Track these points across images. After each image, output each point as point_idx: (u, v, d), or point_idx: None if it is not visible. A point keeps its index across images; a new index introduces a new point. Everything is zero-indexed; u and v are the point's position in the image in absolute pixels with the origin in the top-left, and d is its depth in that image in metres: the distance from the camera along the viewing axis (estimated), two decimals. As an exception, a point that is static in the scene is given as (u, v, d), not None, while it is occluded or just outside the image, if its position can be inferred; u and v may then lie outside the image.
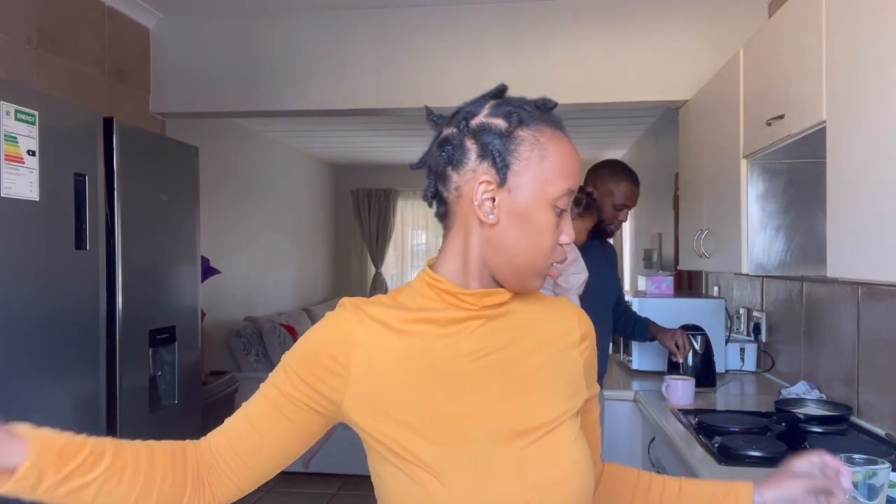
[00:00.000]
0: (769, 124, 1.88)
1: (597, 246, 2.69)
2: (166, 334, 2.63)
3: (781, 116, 1.80)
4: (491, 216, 0.88)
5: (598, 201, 2.70)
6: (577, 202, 2.58)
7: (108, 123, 2.30)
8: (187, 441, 0.93)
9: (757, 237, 2.15)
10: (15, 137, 1.88)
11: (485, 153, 0.88)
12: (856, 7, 1.44)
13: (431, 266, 0.96)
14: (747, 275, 2.35)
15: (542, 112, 0.92)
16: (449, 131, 0.93)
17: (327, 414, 0.92)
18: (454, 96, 3.47)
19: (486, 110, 0.91)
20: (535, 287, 0.93)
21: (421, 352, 0.90)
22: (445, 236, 0.96)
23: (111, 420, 2.30)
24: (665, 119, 4.98)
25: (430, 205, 0.97)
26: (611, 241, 2.89)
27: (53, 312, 2.05)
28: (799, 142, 1.78)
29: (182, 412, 2.72)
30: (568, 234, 0.91)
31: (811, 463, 0.97)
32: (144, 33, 3.41)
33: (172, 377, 2.67)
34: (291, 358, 0.93)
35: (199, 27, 3.44)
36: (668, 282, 3.21)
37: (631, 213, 2.86)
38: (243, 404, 0.97)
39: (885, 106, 1.31)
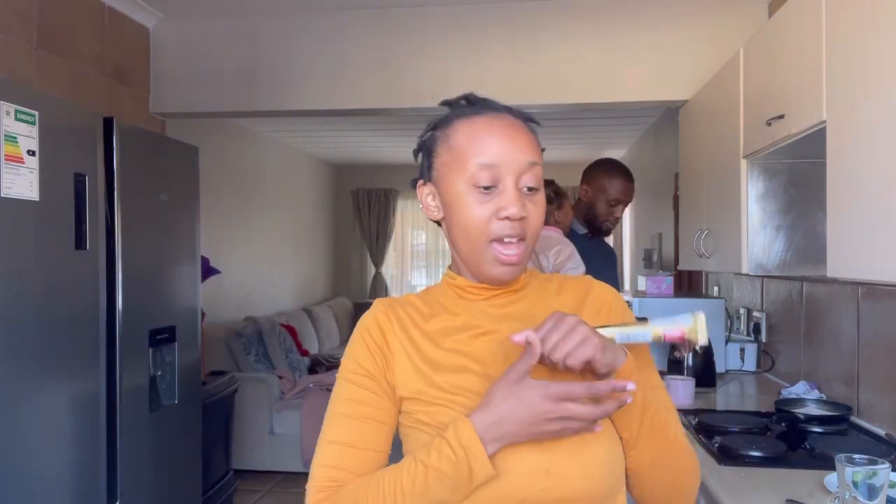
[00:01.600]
0: (769, 124, 1.88)
1: (595, 246, 2.70)
2: (166, 334, 2.63)
3: (781, 116, 1.80)
4: (433, 213, 1.01)
5: (591, 198, 2.72)
6: (548, 199, 2.60)
7: (108, 123, 2.30)
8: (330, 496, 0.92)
9: (757, 237, 2.15)
10: (15, 137, 1.88)
11: (421, 165, 1.03)
12: (856, 7, 1.44)
13: (450, 268, 1.07)
14: (747, 275, 2.35)
15: (462, 108, 1.01)
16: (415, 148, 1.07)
17: (393, 397, 0.97)
18: (454, 96, 3.45)
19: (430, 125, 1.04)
20: (495, 273, 0.96)
21: (444, 341, 0.98)
22: None
23: (111, 420, 2.30)
24: (665, 119, 4.98)
25: None
26: (610, 242, 2.90)
27: (53, 312, 2.05)
28: (799, 142, 1.78)
29: (182, 412, 2.72)
30: (506, 208, 0.92)
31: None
32: (144, 33, 3.41)
33: (172, 377, 2.67)
34: (346, 369, 0.99)
35: (199, 27, 3.44)
36: (668, 282, 3.21)
37: (631, 214, 2.87)
38: (326, 436, 0.96)
39: (885, 106, 1.31)
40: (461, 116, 0.99)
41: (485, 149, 0.94)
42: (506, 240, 0.93)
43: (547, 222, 2.62)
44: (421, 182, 1.03)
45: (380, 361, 0.97)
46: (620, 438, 0.94)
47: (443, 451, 0.84)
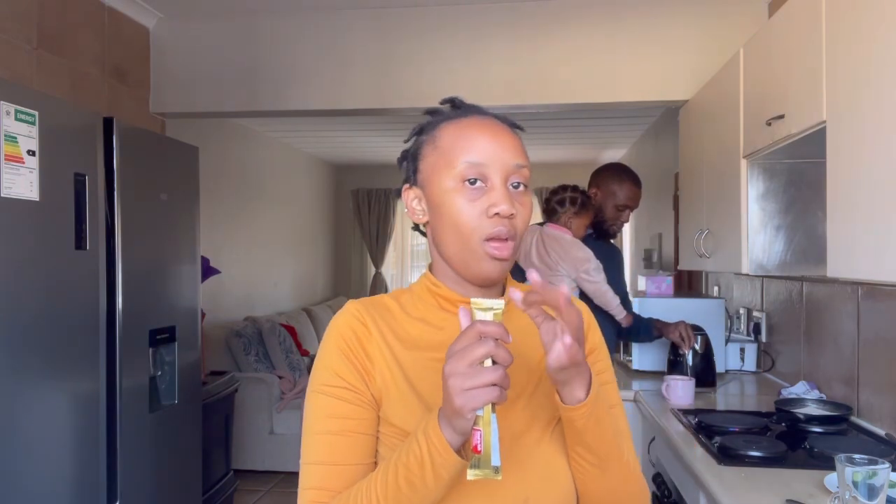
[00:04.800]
0: (769, 124, 1.88)
1: (601, 247, 2.72)
2: (166, 334, 2.63)
3: (781, 116, 1.80)
4: (418, 216, 0.98)
5: (600, 202, 2.75)
6: (572, 201, 2.63)
7: (108, 123, 2.30)
8: None
9: (757, 237, 2.15)
10: (15, 137, 1.88)
11: (406, 169, 1.01)
12: (856, 7, 1.44)
13: (430, 270, 1.02)
14: (747, 275, 2.35)
15: (448, 112, 1.00)
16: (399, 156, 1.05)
17: (374, 405, 0.93)
18: (452, 99, 3.44)
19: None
20: (488, 271, 0.92)
21: (422, 351, 0.94)
22: None
23: (111, 420, 2.30)
24: (665, 119, 4.98)
25: None
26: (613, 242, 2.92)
27: (53, 312, 2.05)
28: (799, 142, 1.78)
29: (182, 412, 2.72)
30: (496, 205, 0.90)
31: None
32: (144, 33, 3.41)
33: (172, 377, 2.67)
34: (322, 381, 0.92)
35: (199, 27, 3.44)
36: (668, 282, 3.21)
37: (631, 214, 2.88)
38: (309, 457, 0.91)
39: (885, 106, 1.31)
40: (448, 119, 0.98)
41: (473, 147, 0.92)
42: (497, 238, 0.90)
43: (560, 223, 2.64)
44: (406, 186, 1.00)
45: (360, 370, 0.92)
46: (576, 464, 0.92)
47: (410, 445, 0.80)
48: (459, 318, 0.81)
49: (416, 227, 1.04)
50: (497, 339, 0.76)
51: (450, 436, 0.77)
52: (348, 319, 0.95)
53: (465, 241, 0.91)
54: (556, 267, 2.57)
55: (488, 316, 0.79)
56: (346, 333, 0.94)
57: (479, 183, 0.91)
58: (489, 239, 0.90)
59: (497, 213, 0.89)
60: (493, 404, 0.76)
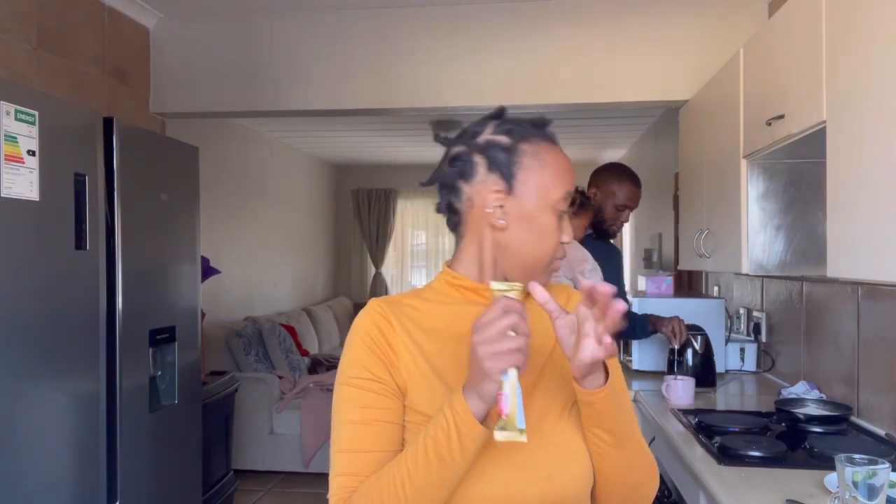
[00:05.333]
0: (769, 124, 1.88)
1: (601, 247, 2.72)
2: (166, 334, 2.63)
3: (781, 116, 1.80)
4: (501, 221, 0.99)
5: (600, 202, 2.76)
6: (571, 201, 2.63)
7: (108, 123, 2.30)
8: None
9: (757, 237, 2.15)
10: (15, 137, 1.88)
11: (492, 166, 1.00)
12: (855, 7, 1.44)
13: (449, 267, 1.07)
14: (747, 275, 2.35)
15: (538, 129, 1.04)
16: (458, 149, 1.04)
17: (400, 395, 0.98)
18: (454, 96, 3.47)
19: (490, 129, 1.03)
20: (544, 281, 1.01)
21: (446, 343, 1.00)
22: (459, 242, 1.07)
23: (111, 420, 2.30)
24: (665, 119, 4.97)
25: (446, 216, 1.08)
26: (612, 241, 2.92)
27: (53, 312, 2.05)
28: (799, 142, 1.78)
29: (182, 412, 2.72)
30: (568, 234, 1.02)
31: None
32: (144, 33, 3.41)
33: (172, 377, 2.67)
34: (349, 374, 0.98)
35: (199, 27, 3.44)
36: (668, 282, 3.21)
37: (631, 214, 2.88)
38: (340, 445, 0.96)
39: (886, 106, 1.31)
40: (544, 139, 1.02)
41: (566, 179, 1.02)
42: (559, 259, 1.03)
43: None
44: (497, 187, 0.99)
45: (385, 362, 0.98)
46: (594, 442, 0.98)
47: (438, 420, 0.87)
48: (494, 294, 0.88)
49: (440, 210, 1.07)
50: (519, 313, 0.83)
51: (475, 406, 0.84)
52: (372, 315, 1.01)
53: (539, 259, 1.01)
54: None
55: (512, 295, 0.87)
56: (370, 328, 0.99)
57: (563, 215, 1.02)
58: (555, 259, 1.03)
59: (565, 243, 1.03)
60: (518, 370, 0.83)
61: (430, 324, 1.02)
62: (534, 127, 1.03)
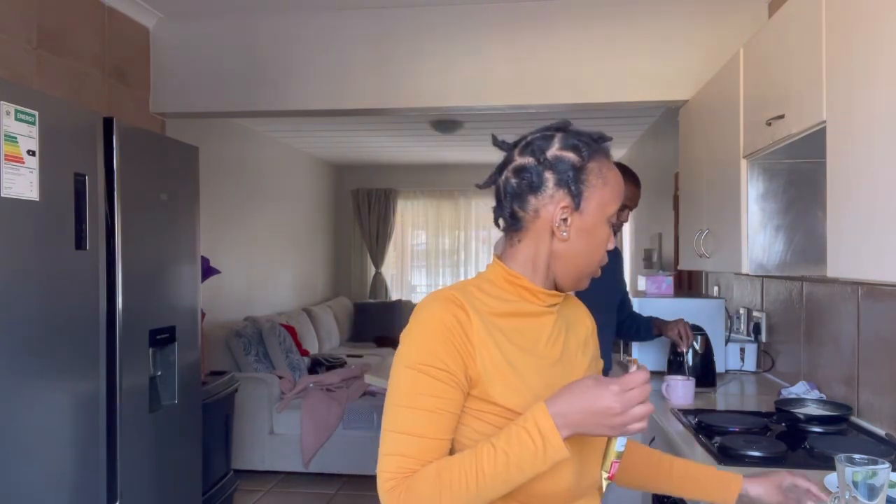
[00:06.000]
0: (769, 124, 1.88)
1: None
2: (166, 334, 2.63)
3: (781, 116, 1.80)
4: (565, 233, 1.08)
5: None
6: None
7: (108, 123, 2.30)
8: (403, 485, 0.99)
9: (757, 237, 2.15)
10: (15, 137, 1.88)
11: (561, 182, 1.07)
12: (855, 7, 1.44)
13: (501, 261, 1.14)
14: (747, 275, 2.35)
15: (600, 145, 1.11)
16: (525, 161, 1.10)
17: (466, 388, 1.04)
18: (454, 96, 3.47)
19: (556, 143, 1.09)
20: (584, 287, 1.15)
21: (515, 339, 1.07)
22: (512, 241, 1.13)
23: (111, 420, 2.30)
24: (665, 119, 4.97)
25: (501, 221, 1.15)
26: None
27: (53, 312, 2.05)
28: (799, 142, 1.78)
29: (182, 412, 2.72)
30: (612, 242, 1.13)
31: (792, 481, 1.24)
32: (144, 33, 3.41)
33: (172, 377, 2.67)
34: (420, 361, 1.01)
35: (199, 27, 3.44)
36: (668, 282, 3.21)
37: (631, 214, 2.88)
38: (398, 426, 1.01)
39: (885, 106, 1.31)
40: (605, 156, 1.11)
41: (621, 194, 1.11)
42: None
43: None
44: (564, 203, 1.07)
45: (461, 354, 1.01)
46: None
47: (522, 438, 0.93)
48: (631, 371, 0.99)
49: (501, 216, 1.14)
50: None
51: (565, 433, 0.93)
52: (448, 305, 1.04)
53: (589, 266, 1.12)
54: None
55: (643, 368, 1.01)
56: (447, 318, 1.02)
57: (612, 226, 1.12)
58: (599, 266, 1.14)
59: (609, 250, 1.14)
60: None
61: (500, 316, 1.07)
62: (594, 142, 1.10)
